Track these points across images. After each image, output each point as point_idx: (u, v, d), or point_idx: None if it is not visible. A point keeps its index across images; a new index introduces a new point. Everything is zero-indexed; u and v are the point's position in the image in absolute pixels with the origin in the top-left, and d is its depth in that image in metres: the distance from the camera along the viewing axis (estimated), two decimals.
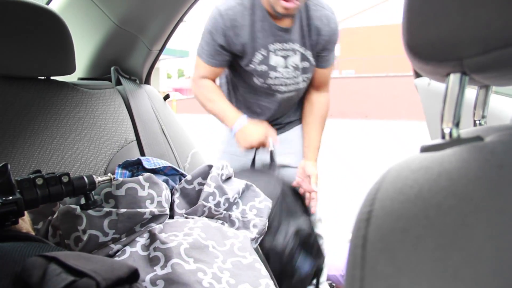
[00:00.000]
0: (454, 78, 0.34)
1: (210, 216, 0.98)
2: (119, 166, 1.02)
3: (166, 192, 0.92)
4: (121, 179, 0.86)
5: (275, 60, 1.54)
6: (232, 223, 0.99)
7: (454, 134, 0.35)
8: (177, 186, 1.01)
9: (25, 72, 1.02)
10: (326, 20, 1.55)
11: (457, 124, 0.36)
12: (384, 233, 0.26)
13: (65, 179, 0.75)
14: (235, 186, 1.05)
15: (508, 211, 0.23)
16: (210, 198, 0.97)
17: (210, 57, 1.51)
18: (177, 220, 0.92)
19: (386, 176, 0.31)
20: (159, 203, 0.87)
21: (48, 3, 1.30)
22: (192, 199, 1.00)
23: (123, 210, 0.81)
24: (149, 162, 1.03)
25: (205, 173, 1.02)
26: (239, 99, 1.72)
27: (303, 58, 1.57)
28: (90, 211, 0.79)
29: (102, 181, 0.82)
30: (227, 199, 0.99)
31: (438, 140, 0.35)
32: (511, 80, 0.38)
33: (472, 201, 0.24)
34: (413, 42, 0.33)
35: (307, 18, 1.54)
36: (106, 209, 0.81)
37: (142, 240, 0.84)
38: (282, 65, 1.56)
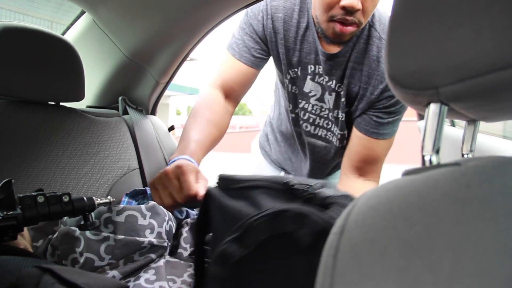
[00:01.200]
0: (433, 107, 0.36)
1: None
2: (127, 195, 1.03)
3: (170, 223, 0.90)
4: (122, 206, 0.87)
5: (309, 86, 1.23)
6: None
7: (434, 161, 0.37)
8: (188, 220, 0.99)
9: (36, 97, 1.05)
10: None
11: (437, 151, 0.38)
12: (354, 244, 0.28)
13: (65, 198, 0.77)
14: None
15: (469, 224, 0.24)
16: None
17: (237, 46, 1.22)
18: (179, 261, 0.88)
19: (362, 196, 0.33)
20: (159, 234, 0.87)
21: (63, 34, 1.36)
22: None
23: (120, 237, 0.81)
24: None
25: None
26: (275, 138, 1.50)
27: (337, 104, 1.20)
28: (88, 235, 0.80)
29: (101, 203, 0.84)
30: None
31: (419, 166, 0.37)
32: (490, 113, 0.40)
33: (437, 214, 0.26)
34: (394, 72, 0.36)
35: (364, 53, 1.16)
36: (104, 234, 0.81)
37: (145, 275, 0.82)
38: (317, 95, 1.23)
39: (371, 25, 1.16)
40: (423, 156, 0.38)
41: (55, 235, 0.84)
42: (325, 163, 1.39)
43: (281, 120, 1.45)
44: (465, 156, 0.56)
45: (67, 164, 1.07)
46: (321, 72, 1.19)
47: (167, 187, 0.94)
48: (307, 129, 1.31)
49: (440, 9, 0.31)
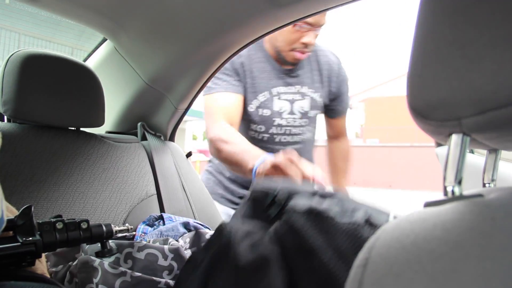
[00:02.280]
0: (455, 138, 0.36)
1: None
2: (143, 222, 1.03)
3: None
4: (144, 242, 0.86)
5: (279, 105, 1.50)
6: None
7: (456, 192, 0.37)
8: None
9: (57, 123, 1.07)
10: (336, 66, 1.56)
11: (459, 182, 0.37)
12: (378, 278, 0.27)
13: (84, 225, 0.77)
14: None
15: (497, 259, 0.24)
16: None
17: (216, 84, 1.42)
18: None
19: (386, 227, 0.32)
20: (176, 275, 0.84)
21: (85, 60, 1.39)
22: None
23: (137, 274, 0.80)
24: (171, 220, 1.05)
25: None
26: None
27: (313, 103, 1.55)
28: (106, 267, 0.80)
29: (119, 230, 0.84)
30: None
31: (441, 197, 0.37)
32: (510, 143, 0.39)
33: (463, 249, 0.25)
34: (415, 104, 0.36)
35: (317, 63, 1.55)
36: (122, 269, 0.80)
37: None
38: (288, 110, 1.52)
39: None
40: (445, 187, 0.37)
41: (75, 263, 0.84)
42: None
43: None
44: (487, 185, 0.55)
45: (86, 189, 1.08)
46: (283, 91, 1.50)
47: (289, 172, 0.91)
48: (285, 140, 1.55)
49: (461, 41, 0.31)
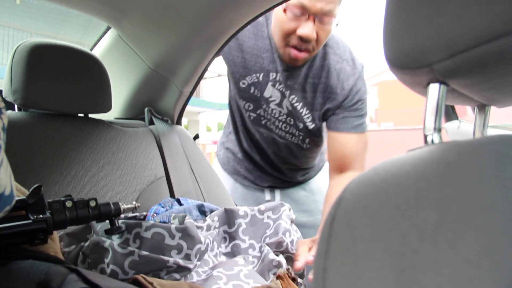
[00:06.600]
0: (433, 87, 0.37)
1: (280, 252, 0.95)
2: (159, 204, 1.04)
3: (204, 245, 0.88)
4: (152, 222, 0.88)
5: (270, 92, 1.34)
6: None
7: (436, 140, 0.38)
8: (249, 212, 1.00)
9: (66, 110, 1.10)
10: (348, 74, 1.28)
11: (438, 131, 0.38)
12: (348, 211, 0.29)
13: (92, 203, 0.79)
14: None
15: (455, 185, 0.25)
16: (287, 234, 0.96)
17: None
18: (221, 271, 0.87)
19: (364, 172, 0.33)
20: (188, 255, 0.85)
21: (91, 49, 1.42)
22: (258, 229, 0.99)
23: (145, 253, 0.81)
24: (187, 203, 1.07)
25: (276, 208, 1.01)
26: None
27: (294, 113, 1.35)
28: (116, 247, 0.82)
29: (127, 208, 0.86)
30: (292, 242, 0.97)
31: (421, 145, 0.38)
32: (494, 94, 0.40)
33: (426, 179, 0.27)
34: (390, 53, 0.37)
35: (321, 69, 1.30)
36: (130, 248, 0.82)
37: None
38: (277, 101, 1.35)
39: (326, 44, 1.29)
40: (425, 136, 0.39)
41: (87, 243, 0.87)
42: (291, 161, 1.51)
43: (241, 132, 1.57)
44: None
45: (96, 173, 1.11)
46: (281, 80, 1.31)
47: None
48: (271, 126, 1.42)
49: None
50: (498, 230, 0.21)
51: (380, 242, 0.25)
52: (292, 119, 1.38)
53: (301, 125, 1.37)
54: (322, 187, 1.59)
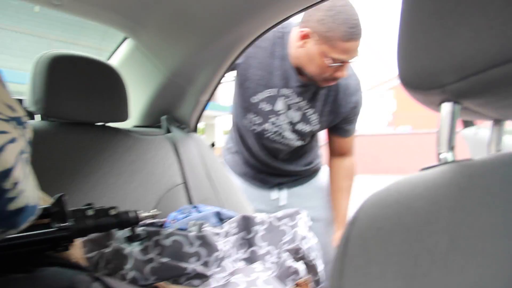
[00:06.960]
0: (446, 106, 0.38)
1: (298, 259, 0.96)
2: (178, 211, 1.07)
3: (222, 252, 0.90)
4: (171, 230, 0.90)
5: (280, 105, 1.48)
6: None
7: (449, 158, 0.38)
8: (266, 219, 1.02)
9: (85, 119, 1.13)
10: (353, 90, 1.49)
11: (451, 149, 0.39)
12: (362, 232, 0.29)
13: (112, 212, 0.82)
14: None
15: (467, 209, 0.26)
16: (304, 241, 0.97)
17: None
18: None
19: (376, 191, 0.34)
20: (206, 262, 0.87)
21: (108, 59, 1.45)
22: (275, 236, 1.00)
23: (165, 260, 0.84)
24: (204, 207, 1.09)
25: (293, 216, 1.03)
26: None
27: (304, 119, 1.51)
28: (136, 254, 0.84)
29: (146, 216, 0.88)
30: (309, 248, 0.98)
31: (435, 163, 0.39)
32: (507, 110, 0.41)
33: (438, 202, 0.27)
34: (403, 74, 0.37)
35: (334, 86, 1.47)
36: (151, 256, 0.84)
37: None
38: (283, 112, 1.50)
39: None
40: (438, 154, 0.39)
41: (108, 250, 0.89)
42: (290, 157, 1.68)
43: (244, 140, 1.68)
44: None
45: (115, 181, 1.13)
46: (289, 94, 1.47)
47: None
48: (273, 139, 1.56)
49: (441, 11, 0.33)
50: (507, 255, 0.22)
51: (393, 265, 0.26)
52: (298, 125, 1.53)
53: (307, 129, 1.55)
54: (325, 186, 1.77)
